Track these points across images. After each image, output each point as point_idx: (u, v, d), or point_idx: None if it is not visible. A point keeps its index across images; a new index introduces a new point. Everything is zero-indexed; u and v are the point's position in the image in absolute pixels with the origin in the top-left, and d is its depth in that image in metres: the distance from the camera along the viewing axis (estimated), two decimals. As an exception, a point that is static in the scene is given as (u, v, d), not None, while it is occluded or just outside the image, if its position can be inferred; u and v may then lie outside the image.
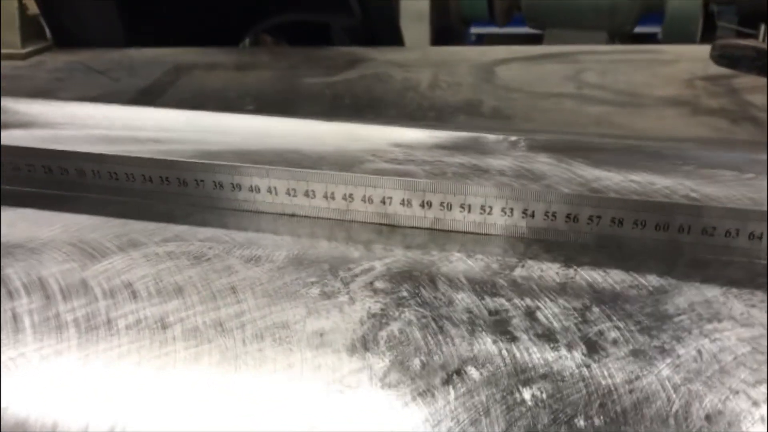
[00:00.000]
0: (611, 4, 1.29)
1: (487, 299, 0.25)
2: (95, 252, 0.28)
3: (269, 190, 0.31)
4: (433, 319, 0.24)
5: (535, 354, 0.23)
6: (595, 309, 0.25)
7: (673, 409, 0.21)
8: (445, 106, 0.67)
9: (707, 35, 1.24)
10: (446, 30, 1.50)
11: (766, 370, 0.22)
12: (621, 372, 0.22)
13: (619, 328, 0.24)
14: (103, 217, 0.31)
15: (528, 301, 0.25)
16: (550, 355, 0.23)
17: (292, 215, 0.31)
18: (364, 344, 0.23)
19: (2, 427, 0.21)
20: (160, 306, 0.25)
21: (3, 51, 0.83)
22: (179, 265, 0.27)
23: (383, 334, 0.24)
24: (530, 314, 0.24)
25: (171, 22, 0.94)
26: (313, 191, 0.30)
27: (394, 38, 1.04)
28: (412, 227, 0.30)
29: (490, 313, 0.25)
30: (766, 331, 0.23)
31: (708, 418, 0.20)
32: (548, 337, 0.23)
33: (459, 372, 0.22)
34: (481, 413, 0.21)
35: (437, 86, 0.74)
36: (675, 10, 1.31)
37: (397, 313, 0.25)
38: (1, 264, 0.27)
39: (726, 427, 0.20)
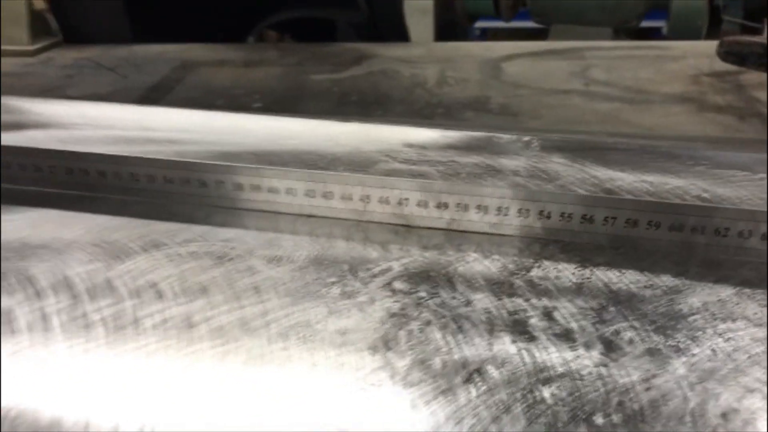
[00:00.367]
0: (616, 1, 1.29)
1: (505, 299, 0.26)
2: (119, 252, 0.29)
3: (288, 192, 0.31)
4: (452, 319, 0.25)
5: (554, 353, 0.23)
6: (612, 309, 0.25)
7: (690, 407, 0.21)
8: (453, 102, 0.68)
9: (712, 29, 1.24)
10: (450, 25, 1.50)
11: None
12: (638, 371, 0.22)
13: (635, 328, 0.24)
14: (125, 217, 0.32)
15: (545, 301, 0.26)
16: (569, 354, 0.23)
17: (310, 216, 0.31)
18: (385, 343, 0.24)
19: (37, 427, 0.22)
20: (185, 305, 0.26)
21: (12, 48, 0.83)
22: (202, 265, 0.28)
23: (403, 333, 0.24)
24: (548, 314, 0.25)
25: (177, 19, 0.94)
26: (331, 192, 0.31)
27: (400, 34, 1.04)
28: (429, 228, 0.30)
29: (509, 313, 0.25)
30: (779, 331, 0.24)
31: (724, 415, 0.21)
32: (566, 336, 0.24)
33: (479, 371, 0.23)
34: (502, 411, 0.22)
35: (444, 83, 0.74)
36: (680, 6, 1.31)
37: (416, 313, 0.25)
38: (19, 265, 0.28)
39: (742, 425, 0.21)
